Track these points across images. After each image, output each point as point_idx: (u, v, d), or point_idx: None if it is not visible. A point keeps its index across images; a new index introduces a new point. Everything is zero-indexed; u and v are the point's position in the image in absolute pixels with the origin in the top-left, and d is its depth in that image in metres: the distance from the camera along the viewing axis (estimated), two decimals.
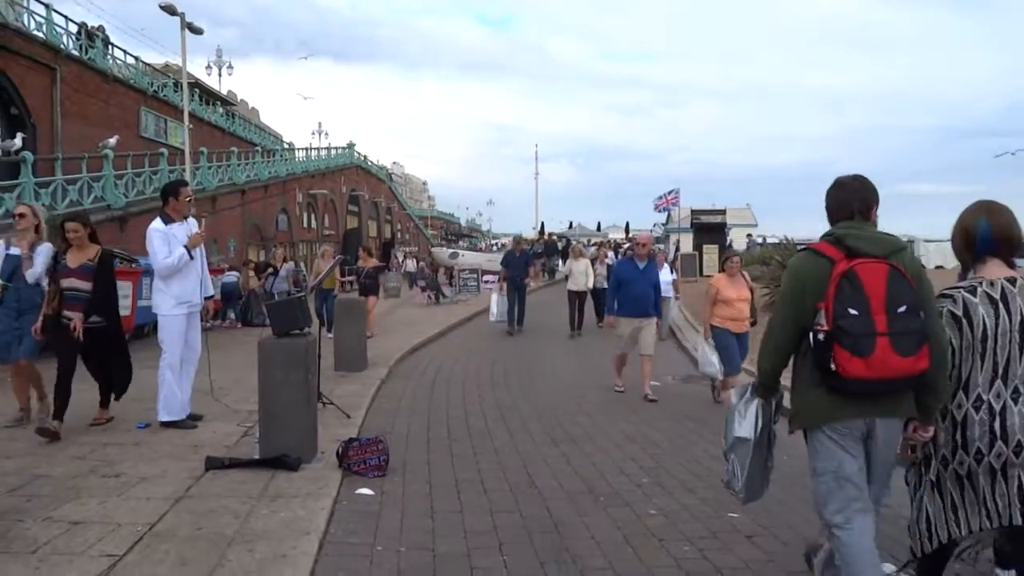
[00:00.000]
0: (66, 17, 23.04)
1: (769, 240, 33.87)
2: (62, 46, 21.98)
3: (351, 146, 47.58)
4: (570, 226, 78.84)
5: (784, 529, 4.43)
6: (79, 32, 23.51)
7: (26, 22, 21.15)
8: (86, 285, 6.05)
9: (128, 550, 3.75)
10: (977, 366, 3.01)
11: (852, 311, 2.83)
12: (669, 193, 32.73)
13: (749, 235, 42.17)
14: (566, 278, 16.16)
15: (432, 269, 30.88)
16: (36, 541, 3.83)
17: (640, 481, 5.37)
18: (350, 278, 14.49)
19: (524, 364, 11.00)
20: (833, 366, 2.87)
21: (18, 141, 17.52)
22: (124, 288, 12.41)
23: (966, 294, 3.03)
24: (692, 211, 32.83)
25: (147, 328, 13.87)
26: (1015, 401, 2.95)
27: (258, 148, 35.25)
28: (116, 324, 6.43)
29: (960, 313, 3.02)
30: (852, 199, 3.16)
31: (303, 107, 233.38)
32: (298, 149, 43.91)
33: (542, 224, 57.44)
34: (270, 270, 15.20)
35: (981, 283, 3.04)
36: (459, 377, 9.99)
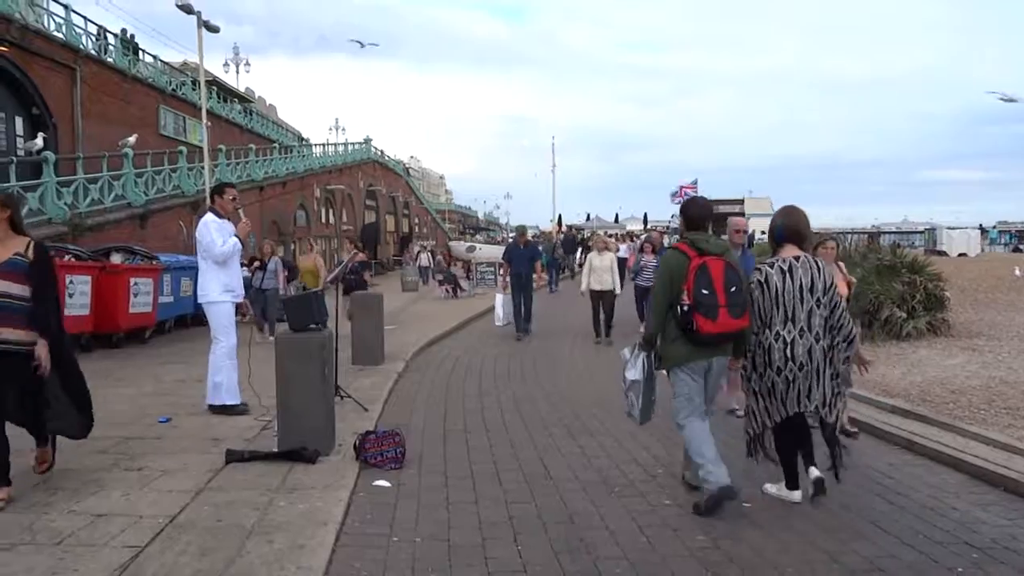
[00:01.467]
0: (85, 18, 23.32)
1: None
2: (81, 46, 22.24)
3: (368, 141, 47.73)
4: (588, 218, 78.63)
5: (798, 519, 4.43)
6: (120, 38, 23.91)
7: (46, 23, 21.41)
8: (18, 289, 4.40)
9: (150, 541, 3.83)
10: (775, 314, 4.55)
11: (704, 291, 4.40)
12: (689, 183, 32.63)
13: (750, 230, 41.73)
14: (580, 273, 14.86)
15: (446, 259, 30.93)
16: (60, 533, 3.92)
17: (655, 472, 5.39)
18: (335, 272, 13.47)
19: (540, 356, 11.03)
20: (693, 327, 4.42)
21: (40, 141, 17.77)
22: (146, 285, 12.60)
23: (767, 268, 4.67)
24: (710, 201, 32.67)
25: (168, 324, 14.09)
26: (800, 336, 4.51)
27: (276, 145, 35.47)
28: (64, 342, 4.71)
29: (763, 280, 4.62)
30: (704, 216, 4.86)
31: (320, 102, 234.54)
32: (315, 145, 44.14)
33: (559, 216, 57.37)
34: (256, 264, 13.43)
35: (776, 261, 4.66)
36: (476, 370, 10.04)
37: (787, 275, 4.56)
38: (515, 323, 13.42)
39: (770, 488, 4.86)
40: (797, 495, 4.69)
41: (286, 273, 14.25)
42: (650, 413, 4.91)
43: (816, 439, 4.79)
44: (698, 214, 4.84)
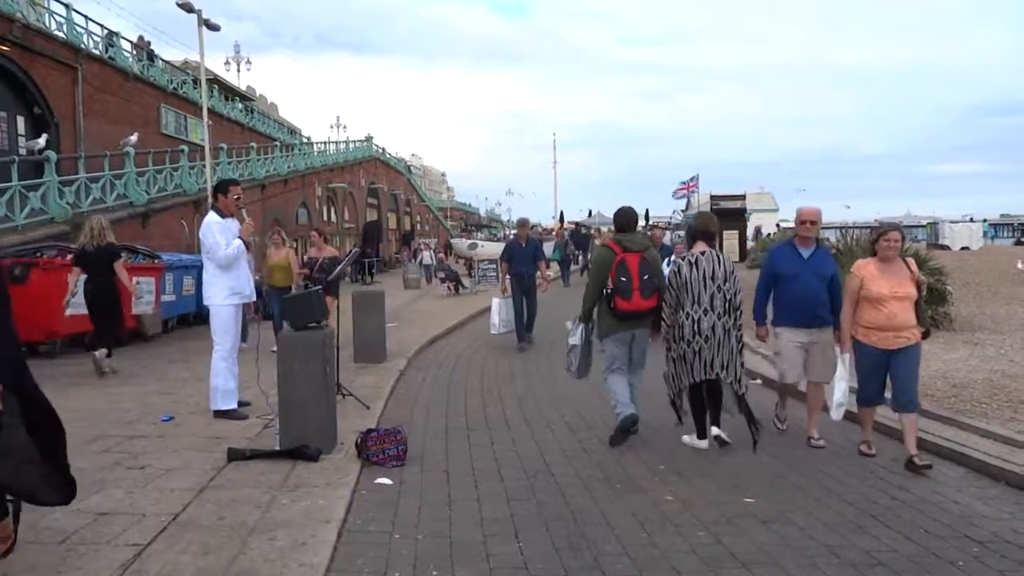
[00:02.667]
0: (86, 17, 23.34)
1: (787, 227, 33.55)
2: (83, 45, 22.25)
3: (369, 139, 47.72)
4: (589, 214, 78.32)
5: (800, 514, 4.44)
6: (133, 47, 23.96)
7: (47, 22, 21.43)
8: None
9: (152, 539, 3.85)
10: (685, 297, 5.73)
11: (623, 278, 5.83)
12: (689, 180, 32.60)
13: (757, 227, 41.57)
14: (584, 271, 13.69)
15: (444, 253, 30.81)
16: (64, 532, 3.94)
17: (657, 468, 5.39)
18: (304, 271, 11.09)
19: (542, 353, 11.02)
20: (614, 305, 5.85)
21: (42, 141, 17.81)
22: (148, 284, 12.62)
23: (680, 260, 5.92)
24: (711, 196, 32.64)
25: (171, 323, 14.12)
26: (704, 315, 5.65)
27: (277, 143, 35.48)
28: (26, 382, 3.33)
29: (676, 271, 5.84)
30: (631, 222, 6.42)
31: (322, 100, 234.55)
32: (317, 143, 44.14)
33: (561, 213, 57.20)
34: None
35: (687, 255, 5.90)
36: (478, 367, 10.05)
37: (693, 266, 5.75)
38: (517, 330, 11.54)
39: (685, 438, 6.02)
40: (704, 443, 5.88)
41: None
42: (586, 371, 6.34)
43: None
44: (624, 221, 6.37)
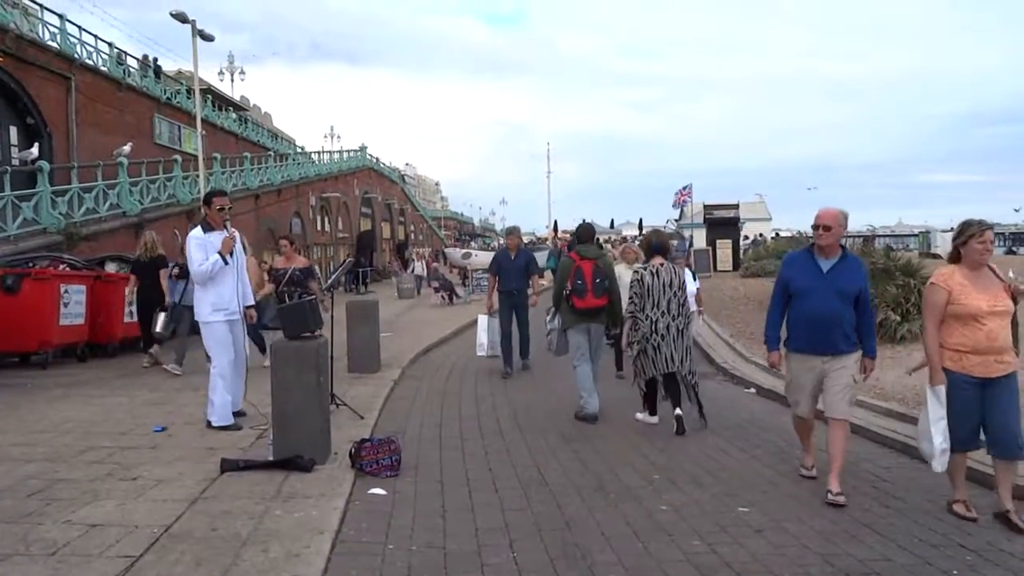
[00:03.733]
0: (79, 27, 23.32)
1: (782, 234, 33.65)
2: (76, 55, 22.24)
3: (363, 148, 47.73)
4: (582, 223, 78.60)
5: (794, 523, 4.44)
6: (140, 64, 24.00)
7: (40, 33, 21.42)
8: None
9: (145, 551, 3.82)
10: (647, 302, 6.81)
11: (579, 281, 7.18)
12: (683, 189, 32.69)
13: (746, 236, 41.72)
14: None
15: (428, 263, 30.67)
16: (55, 543, 3.90)
17: (651, 477, 5.39)
18: (268, 287, 9.89)
19: (536, 364, 11.00)
20: (572, 304, 7.19)
21: (34, 151, 17.78)
22: None
23: (643, 270, 6.95)
24: (705, 206, 32.73)
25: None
26: (662, 316, 6.78)
27: (271, 153, 35.47)
28: None
29: (639, 279, 6.89)
30: (591, 235, 8.17)
31: (315, 110, 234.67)
32: (311, 152, 44.14)
33: (555, 222, 57.30)
34: (175, 268, 10.27)
35: (648, 266, 6.96)
36: (471, 377, 10.03)
37: (655, 276, 6.89)
38: (503, 354, 10.19)
39: (638, 415, 7.22)
40: (655, 419, 7.07)
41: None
42: (563, 351, 7.65)
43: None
44: (583, 234, 8.14)
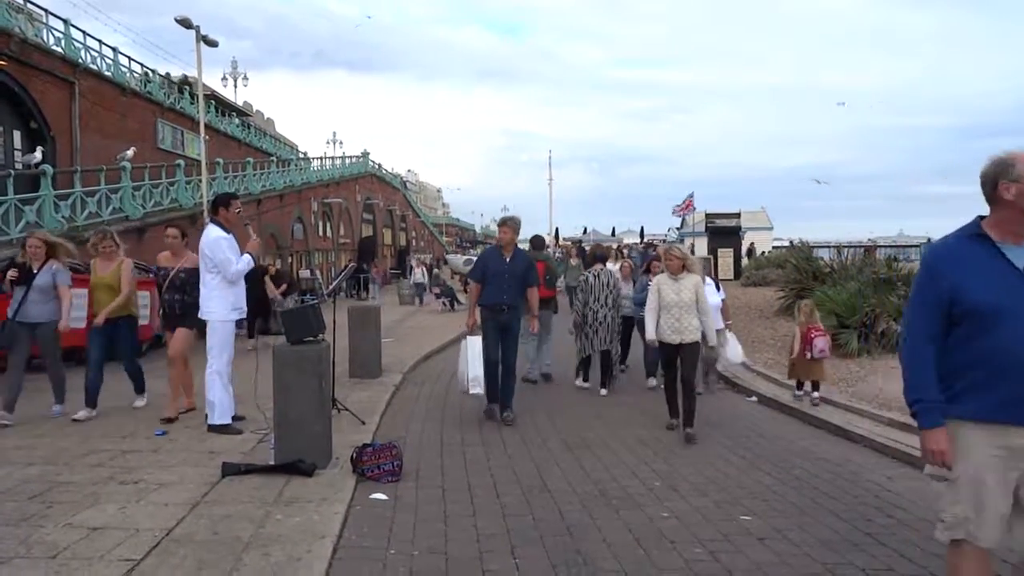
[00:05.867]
0: (84, 32, 23.41)
1: (782, 244, 33.54)
2: (80, 60, 22.31)
3: (365, 155, 47.84)
4: (584, 231, 78.73)
5: (796, 532, 4.43)
6: (179, 85, 24.21)
7: (45, 37, 21.49)
8: None
9: (146, 555, 3.81)
10: (590, 297, 9.09)
11: (547, 276, 9.83)
12: (687, 198, 32.71)
13: (750, 244, 41.49)
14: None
15: (427, 266, 30.56)
16: (56, 546, 3.90)
17: (652, 484, 5.38)
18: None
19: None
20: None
21: (38, 155, 17.79)
22: (143, 298, 12.56)
23: (588, 274, 9.36)
24: (706, 214, 32.72)
25: (164, 336, 14.05)
26: (600, 308, 9.04)
27: (273, 158, 35.53)
28: None
29: (585, 280, 9.32)
30: (540, 244, 11.52)
31: (318, 117, 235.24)
32: (313, 158, 44.23)
33: (556, 230, 57.40)
34: (13, 273, 7.50)
35: (592, 270, 9.38)
36: None
37: (597, 278, 9.19)
38: (486, 388, 7.51)
39: (577, 382, 9.47)
40: (588, 384, 9.34)
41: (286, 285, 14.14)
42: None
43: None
44: (538, 244, 11.12)
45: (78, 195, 16.48)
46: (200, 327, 6.79)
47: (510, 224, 7.80)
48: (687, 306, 6.93)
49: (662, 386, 7.71)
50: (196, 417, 6.97)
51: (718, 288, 9.12)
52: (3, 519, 4.31)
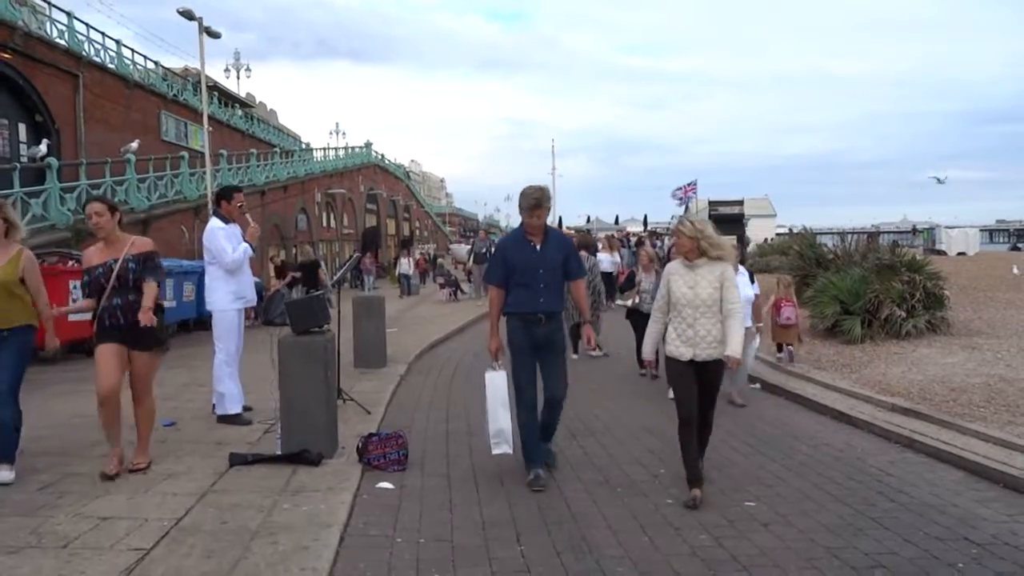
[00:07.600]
0: (87, 24, 23.38)
1: (784, 231, 33.44)
2: (84, 53, 22.31)
3: (368, 145, 47.83)
4: (588, 220, 78.70)
5: (800, 517, 4.45)
6: (210, 89, 24.43)
7: (49, 30, 21.48)
8: None
9: (155, 544, 3.86)
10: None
11: None
12: (688, 184, 32.67)
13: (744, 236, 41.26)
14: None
15: (420, 264, 30.47)
16: (67, 536, 3.95)
17: (657, 472, 5.41)
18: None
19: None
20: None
21: (43, 148, 17.83)
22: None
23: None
24: (709, 202, 32.61)
25: (171, 328, 14.12)
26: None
27: (277, 149, 35.54)
28: None
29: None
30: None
31: (321, 107, 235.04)
32: (316, 149, 44.21)
33: (560, 219, 57.30)
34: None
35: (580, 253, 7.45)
36: (478, 372, 9.97)
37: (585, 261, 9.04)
38: (524, 442, 5.30)
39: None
40: (575, 356, 10.02)
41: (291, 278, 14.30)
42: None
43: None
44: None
45: (83, 188, 16.53)
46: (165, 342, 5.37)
47: (540, 205, 5.15)
48: (705, 306, 4.75)
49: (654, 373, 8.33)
50: (204, 408, 7.01)
51: (752, 280, 7.67)
52: (15, 510, 4.36)
